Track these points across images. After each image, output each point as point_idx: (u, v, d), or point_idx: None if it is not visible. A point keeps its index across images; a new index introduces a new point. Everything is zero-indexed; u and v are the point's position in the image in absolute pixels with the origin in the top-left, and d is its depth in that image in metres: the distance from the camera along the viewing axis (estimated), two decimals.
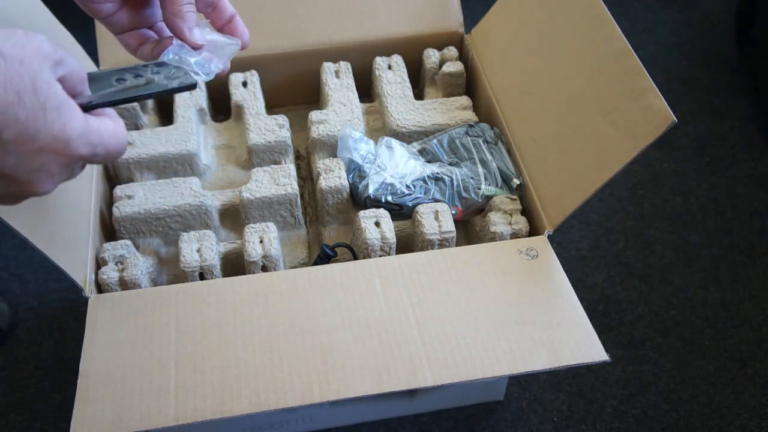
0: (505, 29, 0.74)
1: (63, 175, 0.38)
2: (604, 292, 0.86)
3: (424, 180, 0.67)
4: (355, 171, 0.68)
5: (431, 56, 0.78)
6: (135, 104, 0.73)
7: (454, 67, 0.77)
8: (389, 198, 0.66)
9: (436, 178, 0.67)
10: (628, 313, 0.84)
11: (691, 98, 1.09)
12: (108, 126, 0.39)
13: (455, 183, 0.66)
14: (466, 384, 0.64)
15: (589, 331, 0.55)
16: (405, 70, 0.77)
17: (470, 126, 0.71)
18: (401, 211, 0.66)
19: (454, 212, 0.65)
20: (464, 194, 0.66)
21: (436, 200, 0.66)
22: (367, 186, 0.66)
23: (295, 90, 0.81)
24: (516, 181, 0.66)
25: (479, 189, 0.66)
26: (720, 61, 1.14)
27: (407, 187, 0.66)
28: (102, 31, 0.75)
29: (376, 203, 0.66)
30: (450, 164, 0.69)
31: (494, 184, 0.67)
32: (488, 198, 0.66)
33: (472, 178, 0.67)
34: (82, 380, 0.52)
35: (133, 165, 0.69)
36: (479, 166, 0.68)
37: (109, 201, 0.68)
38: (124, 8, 0.51)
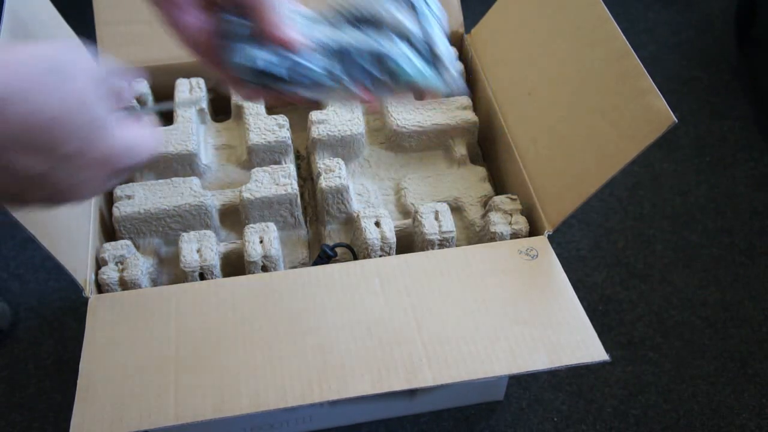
0: (505, 29, 0.74)
1: (105, 185, 0.40)
2: (604, 292, 0.86)
3: (323, 47, 0.47)
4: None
5: None
6: (135, 103, 0.73)
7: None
8: (261, 64, 0.45)
9: (339, 49, 0.47)
10: (628, 313, 0.84)
11: (691, 98, 1.09)
12: (140, 133, 0.40)
13: (363, 55, 0.48)
14: (466, 384, 0.64)
15: (589, 331, 0.55)
16: None
17: None
18: (286, 86, 0.46)
19: (358, 91, 0.48)
20: (376, 73, 0.48)
21: (332, 75, 0.47)
22: (233, 50, 0.45)
23: None
24: (446, 62, 0.49)
25: (398, 68, 0.48)
26: (720, 61, 1.14)
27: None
28: (102, 33, 0.75)
29: (245, 71, 0.45)
30: (360, 29, 0.49)
31: (421, 65, 0.49)
32: (410, 83, 0.49)
33: (387, 52, 0.48)
34: (82, 380, 0.52)
35: None
36: (398, 37, 0.48)
37: (109, 201, 0.68)
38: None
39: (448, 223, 0.63)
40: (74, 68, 0.35)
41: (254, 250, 0.61)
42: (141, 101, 0.75)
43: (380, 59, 0.48)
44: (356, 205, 0.69)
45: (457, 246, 0.64)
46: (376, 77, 0.48)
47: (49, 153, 0.35)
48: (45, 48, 0.35)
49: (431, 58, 0.49)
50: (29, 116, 0.33)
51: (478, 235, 0.67)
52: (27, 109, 0.33)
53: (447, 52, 0.49)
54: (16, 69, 0.33)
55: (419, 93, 0.50)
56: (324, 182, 0.66)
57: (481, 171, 0.72)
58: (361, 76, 0.48)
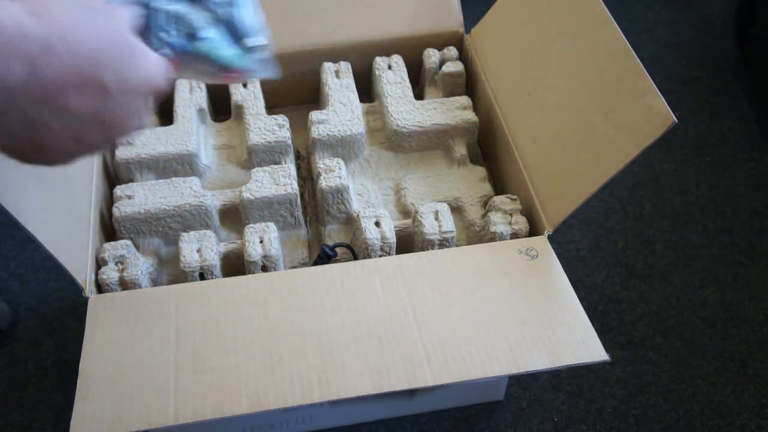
0: (505, 29, 0.74)
1: (146, 111, 0.41)
2: (604, 292, 0.86)
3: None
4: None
5: (431, 56, 0.78)
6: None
7: (454, 67, 0.77)
8: None
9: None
10: (628, 313, 0.84)
11: (691, 98, 1.09)
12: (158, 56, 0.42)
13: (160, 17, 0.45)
14: (466, 384, 0.64)
15: (589, 331, 0.55)
16: (405, 70, 0.77)
17: None
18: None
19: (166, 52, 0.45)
20: (167, 38, 0.45)
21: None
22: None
23: (295, 90, 0.81)
24: (252, 42, 0.49)
25: (195, 39, 0.46)
26: (720, 61, 1.14)
27: None
28: None
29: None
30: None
31: (226, 42, 0.47)
32: (207, 57, 0.47)
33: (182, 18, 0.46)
34: (82, 380, 0.52)
35: (133, 165, 0.69)
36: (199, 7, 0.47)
37: (109, 201, 0.68)
38: None
39: (448, 223, 0.63)
40: (100, 3, 0.37)
41: (254, 250, 0.61)
42: None
43: (183, 28, 0.47)
44: (356, 205, 0.69)
45: (457, 246, 0.64)
46: (177, 46, 0.47)
47: (99, 88, 0.36)
48: None
49: (235, 34, 0.49)
50: (73, 56, 0.35)
51: (478, 235, 0.67)
52: (70, 50, 0.34)
53: (253, 28, 0.49)
54: (52, 15, 0.34)
55: (224, 71, 0.50)
56: (324, 182, 0.66)
57: (481, 171, 0.72)
58: (162, 40, 0.46)
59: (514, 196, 0.66)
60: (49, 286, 0.86)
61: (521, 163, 0.67)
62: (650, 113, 0.55)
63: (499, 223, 0.64)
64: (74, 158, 0.39)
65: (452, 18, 0.79)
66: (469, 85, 0.79)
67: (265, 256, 0.61)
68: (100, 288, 0.60)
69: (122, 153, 0.69)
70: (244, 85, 0.75)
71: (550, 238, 0.62)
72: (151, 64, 0.39)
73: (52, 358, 0.80)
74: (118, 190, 0.66)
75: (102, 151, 0.41)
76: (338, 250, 0.65)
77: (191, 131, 0.71)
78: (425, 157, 0.74)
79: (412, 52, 0.79)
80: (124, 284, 0.60)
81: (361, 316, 0.55)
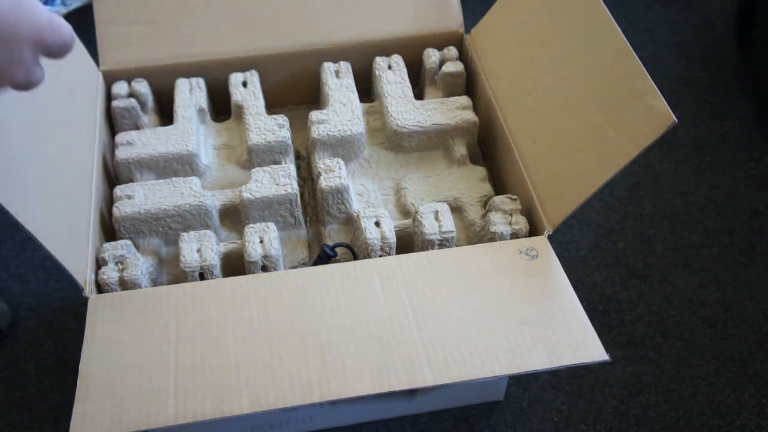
0: (505, 29, 0.74)
1: (31, 65, 0.42)
2: (604, 292, 0.86)
3: None
4: None
5: (431, 56, 0.78)
6: (135, 104, 0.73)
7: (454, 67, 0.77)
8: None
9: None
10: (628, 313, 0.84)
11: (691, 98, 1.09)
12: (55, 15, 0.44)
13: None
14: (466, 384, 0.64)
15: (589, 331, 0.55)
16: (405, 70, 0.77)
17: None
18: None
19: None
20: None
21: None
22: None
23: (295, 90, 0.81)
24: None
25: None
26: (720, 61, 1.14)
27: None
28: (102, 33, 0.75)
29: None
30: None
31: None
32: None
33: None
34: (82, 380, 0.52)
35: (133, 165, 0.69)
36: None
37: (109, 201, 0.68)
38: None
39: (448, 223, 0.63)
40: None
41: (254, 250, 0.61)
42: (141, 101, 0.75)
43: None
44: (356, 205, 0.69)
45: (457, 246, 0.64)
46: None
47: None
48: None
49: None
50: None
51: (478, 235, 0.67)
52: None
53: None
54: None
55: None
56: (324, 182, 0.66)
57: (481, 171, 0.72)
58: None
59: (514, 196, 0.66)
60: (49, 286, 0.86)
61: (521, 163, 0.67)
62: (650, 113, 0.55)
63: (499, 223, 0.64)
64: None
65: (452, 18, 0.79)
66: (469, 85, 0.79)
67: (265, 256, 0.61)
68: (100, 288, 0.60)
69: (122, 153, 0.69)
70: (244, 85, 0.75)
71: (550, 238, 0.62)
72: (42, 18, 0.41)
73: (52, 358, 0.80)
74: (118, 190, 0.66)
75: None
76: (338, 250, 0.65)
77: (191, 131, 0.71)
78: (425, 157, 0.74)
79: (412, 52, 0.79)
80: (124, 284, 0.60)
81: (361, 316, 0.55)
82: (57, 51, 0.44)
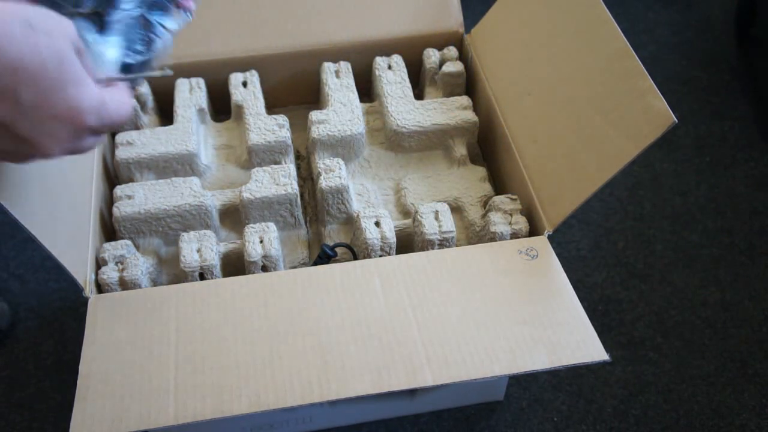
0: (505, 29, 0.74)
1: (70, 143, 0.41)
2: (604, 292, 0.86)
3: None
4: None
5: (431, 56, 0.78)
6: (135, 104, 0.73)
7: (454, 67, 0.77)
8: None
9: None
10: (628, 313, 0.84)
11: (691, 98, 1.09)
12: (116, 97, 0.42)
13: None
14: (466, 384, 0.64)
15: (589, 331, 0.55)
16: (405, 70, 0.77)
17: None
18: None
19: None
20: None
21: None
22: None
23: (295, 90, 0.81)
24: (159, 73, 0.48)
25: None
26: (720, 61, 1.14)
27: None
28: None
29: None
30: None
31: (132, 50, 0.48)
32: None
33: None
34: (82, 380, 0.52)
35: (133, 165, 0.69)
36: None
37: (109, 201, 0.68)
38: None
39: (448, 223, 0.63)
40: (50, 28, 0.37)
41: (254, 250, 0.61)
42: (141, 101, 0.75)
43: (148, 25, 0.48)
44: (356, 205, 0.69)
45: (457, 246, 0.64)
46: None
47: (11, 99, 0.37)
48: (21, 6, 0.37)
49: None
50: None
51: (478, 235, 0.67)
52: None
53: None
54: None
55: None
56: (324, 182, 0.66)
57: (481, 171, 0.72)
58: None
59: (514, 196, 0.66)
60: (49, 286, 0.86)
61: (521, 163, 0.67)
62: (650, 113, 0.55)
63: (499, 223, 0.64)
64: None
65: (452, 18, 0.79)
66: (469, 85, 0.79)
67: (265, 256, 0.61)
68: (100, 288, 0.60)
69: (122, 153, 0.69)
70: (244, 85, 0.75)
71: (550, 238, 0.62)
72: (86, 98, 0.39)
73: (52, 358, 0.80)
74: (118, 190, 0.66)
75: (24, 163, 0.42)
76: (338, 250, 0.65)
77: (191, 131, 0.71)
78: (425, 157, 0.74)
79: (412, 52, 0.79)
80: (124, 284, 0.60)
81: (361, 316, 0.55)
82: (105, 130, 0.43)
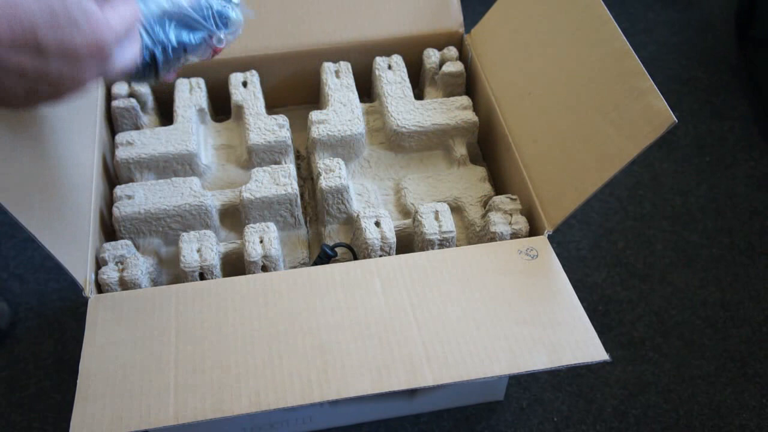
0: (505, 29, 0.74)
1: (105, 70, 0.42)
2: (604, 292, 0.86)
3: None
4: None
5: (431, 56, 0.78)
6: (135, 105, 0.73)
7: (454, 67, 0.77)
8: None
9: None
10: (628, 313, 0.84)
11: (691, 98, 1.09)
12: (125, 12, 0.43)
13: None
14: (466, 384, 0.64)
15: (589, 331, 0.55)
16: (405, 70, 0.77)
17: None
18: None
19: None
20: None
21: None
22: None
23: (295, 90, 0.81)
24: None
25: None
26: (720, 61, 1.14)
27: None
28: None
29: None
30: None
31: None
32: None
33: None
34: (82, 380, 0.52)
35: (133, 165, 0.69)
36: None
37: (109, 201, 0.68)
38: None
39: (448, 223, 0.63)
40: None
41: (254, 250, 0.61)
42: (141, 101, 0.75)
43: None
44: (356, 205, 0.69)
45: (457, 246, 0.64)
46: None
47: (35, 48, 0.37)
48: None
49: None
50: (7, 17, 0.36)
51: (478, 235, 0.67)
52: (3, 11, 0.36)
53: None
54: None
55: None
56: (324, 182, 0.66)
57: (481, 171, 0.72)
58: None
59: (514, 196, 0.66)
60: (49, 286, 0.86)
61: (521, 163, 0.67)
62: (650, 113, 0.55)
63: (499, 223, 0.64)
64: (33, 106, 0.41)
65: (452, 18, 0.79)
66: (469, 85, 0.79)
67: (265, 256, 0.61)
68: (100, 288, 0.60)
69: (122, 153, 0.69)
70: (244, 85, 0.75)
71: (550, 238, 0.62)
72: (98, 28, 0.40)
73: (52, 358, 0.80)
74: (118, 190, 0.66)
75: (62, 102, 0.43)
76: (338, 250, 0.65)
77: (191, 131, 0.71)
78: (425, 157, 0.74)
79: (412, 52, 0.79)
80: (124, 284, 0.60)
81: (361, 315, 0.55)
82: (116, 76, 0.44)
